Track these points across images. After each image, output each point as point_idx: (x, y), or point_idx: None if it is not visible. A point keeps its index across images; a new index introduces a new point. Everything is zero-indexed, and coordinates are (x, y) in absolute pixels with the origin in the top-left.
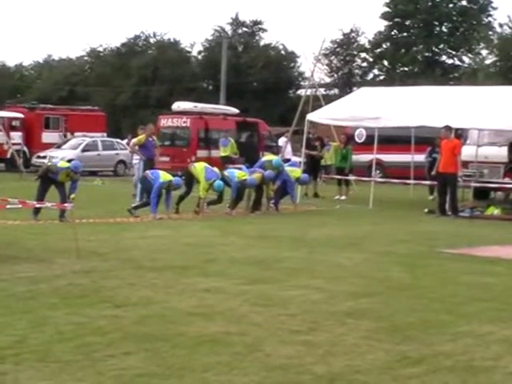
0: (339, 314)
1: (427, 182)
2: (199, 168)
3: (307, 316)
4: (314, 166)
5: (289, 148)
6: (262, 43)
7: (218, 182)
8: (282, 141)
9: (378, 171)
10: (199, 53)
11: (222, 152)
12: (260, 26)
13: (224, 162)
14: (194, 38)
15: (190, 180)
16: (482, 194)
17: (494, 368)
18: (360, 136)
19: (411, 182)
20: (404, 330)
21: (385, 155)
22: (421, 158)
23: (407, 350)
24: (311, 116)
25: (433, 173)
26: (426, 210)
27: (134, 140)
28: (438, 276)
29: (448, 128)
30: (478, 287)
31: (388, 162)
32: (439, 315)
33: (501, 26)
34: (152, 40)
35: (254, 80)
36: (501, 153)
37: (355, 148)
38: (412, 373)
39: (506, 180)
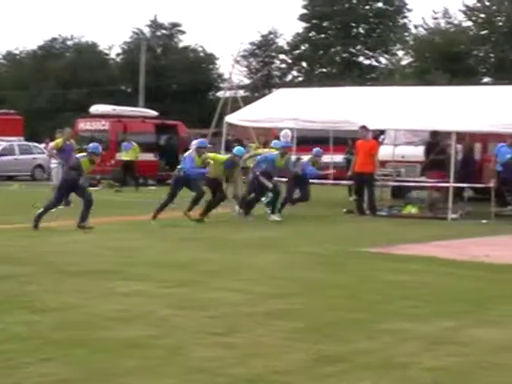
0: (258, 315)
1: (345, 182)
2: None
3: (227, 318)
4: None
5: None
6: (180, 45)
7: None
8: (193, 144)
9: None
10: (118, 55)
11: (123, 156)
12: (179, 28)
13: (125, 167)
14: (112, 41)
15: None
16: (400, 193)
17: (409, 364)
18: (286, 137)
19: (329, 182)
20: (322, 330)
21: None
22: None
23: (325, 349)
24: (229, 118)
25: (349, 173)
26: (345, 210)
27: (52, 144)
28: (357, 275)
29: (365, 128)
30: (396, 285)
31: None
32: (358, 314)
33: (416, 27)
34: (69, 42)
35: (173, 82)
36: (417, 152)
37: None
38: (330, 371)
39: (422, 179)
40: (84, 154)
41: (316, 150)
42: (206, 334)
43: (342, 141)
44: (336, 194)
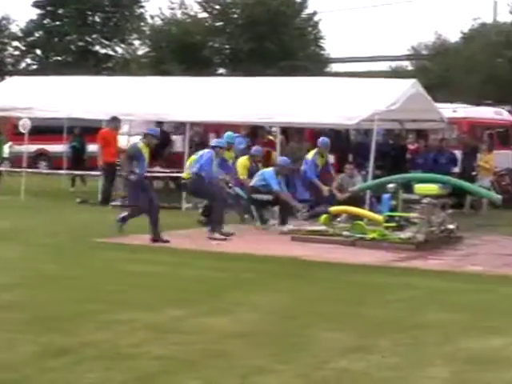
0: None
1: (79, 172)
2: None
3: None
4: None
5: None
6: None
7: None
8: None
9: (44, 162)
10: None
11: None
12: None
13: None
14: None
15: None
16: None
17: (138, 354)
18: (25, 126)
19: (63, 172)
20: (51, 321)
21: (51, 146)
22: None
23: (53, 342)
24: None
25: (100, 163)
26: (79, 200)
27: None
28: (91, 265)
29: (116, 119)
30: (129, 275)
31: (55, 153)
32: (89, 304)
33: (152, 17)
34: None
35: None
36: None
37: (19, 138)
38: (57, 364)
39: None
40: None
41: (322, 139)
42: None
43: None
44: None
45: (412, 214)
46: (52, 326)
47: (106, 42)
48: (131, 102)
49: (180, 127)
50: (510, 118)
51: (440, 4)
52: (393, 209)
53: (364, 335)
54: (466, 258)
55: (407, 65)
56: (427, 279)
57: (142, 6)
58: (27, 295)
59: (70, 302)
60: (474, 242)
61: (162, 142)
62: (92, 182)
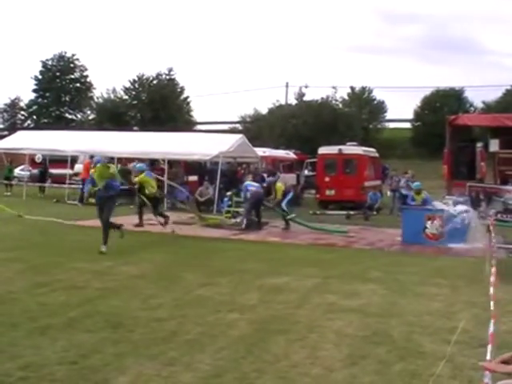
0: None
1: None
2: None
3: None
4: None
5: None
6: None
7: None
8: None
9: None
10: None
11: None
12: None
13: None
14: None
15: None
16: None
17: (86, 286)
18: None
19: None
20: (36, 268)
21: None
22: None
23: (38, 279)
24: None
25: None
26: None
27: None
28: (57, 236)
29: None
30: (76, 242)
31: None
32: (57, 258)
33: (97, 98)
34: None
35: None
36: None
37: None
38: (40, 291)
39: None
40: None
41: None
42: None
43: None
44: None
45: (240, 209)
46: (37, 270)
47: (71, 111)
48: (86, 143)
49: (111, 159)
50: (294, 156)
51: (256, 91)
52: (230, 206)
53: (211, 276)
54: (269, 234)
55: (239, 126)
56: (248, 245)
57: (91, 92)
58: (23, 253)
59: (47, 256)
60: (273, 225)
61: None
62: None
